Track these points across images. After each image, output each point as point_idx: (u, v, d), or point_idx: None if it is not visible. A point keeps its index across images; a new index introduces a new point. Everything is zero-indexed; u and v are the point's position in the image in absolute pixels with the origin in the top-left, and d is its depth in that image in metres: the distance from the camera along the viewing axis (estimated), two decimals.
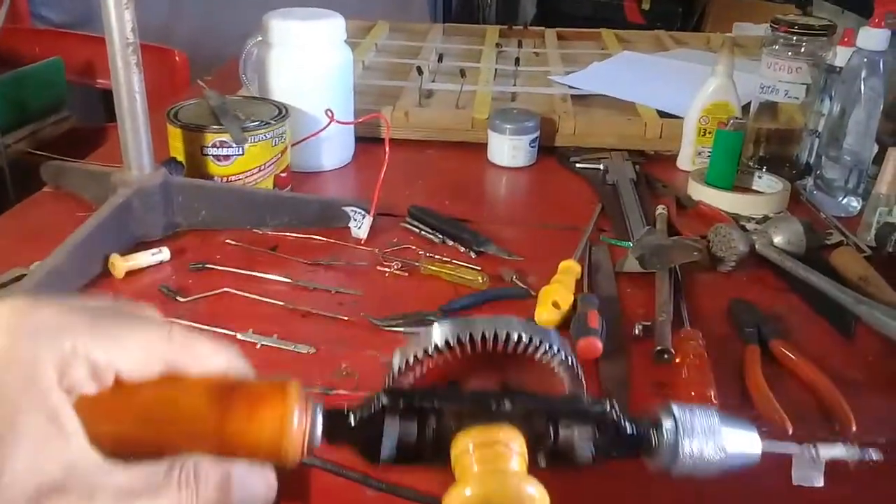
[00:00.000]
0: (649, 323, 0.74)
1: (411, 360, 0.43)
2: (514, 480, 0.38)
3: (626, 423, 0.41)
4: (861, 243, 0.91)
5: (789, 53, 1.03)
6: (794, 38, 1.03)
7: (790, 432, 0.61)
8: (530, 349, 0.43)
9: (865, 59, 0.95)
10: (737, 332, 0.74)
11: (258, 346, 0.69)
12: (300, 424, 0.36)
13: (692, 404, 0.42)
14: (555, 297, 0.75)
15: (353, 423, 0.39)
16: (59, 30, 1.88)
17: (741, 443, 0.41)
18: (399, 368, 0.43)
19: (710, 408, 0.42)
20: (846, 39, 1.03)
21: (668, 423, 0.41)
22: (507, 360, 0.43)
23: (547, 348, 0.43)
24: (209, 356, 0.37)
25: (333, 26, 1.05)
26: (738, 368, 0.69)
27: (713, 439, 0.41)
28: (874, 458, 0.42)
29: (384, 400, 0.39)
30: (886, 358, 0.72)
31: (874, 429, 0.63)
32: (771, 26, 1.05)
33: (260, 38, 1.07)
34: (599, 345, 0.69)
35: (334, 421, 0.39)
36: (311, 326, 0.74)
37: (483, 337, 0.42)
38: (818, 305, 0.79)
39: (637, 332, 0.74)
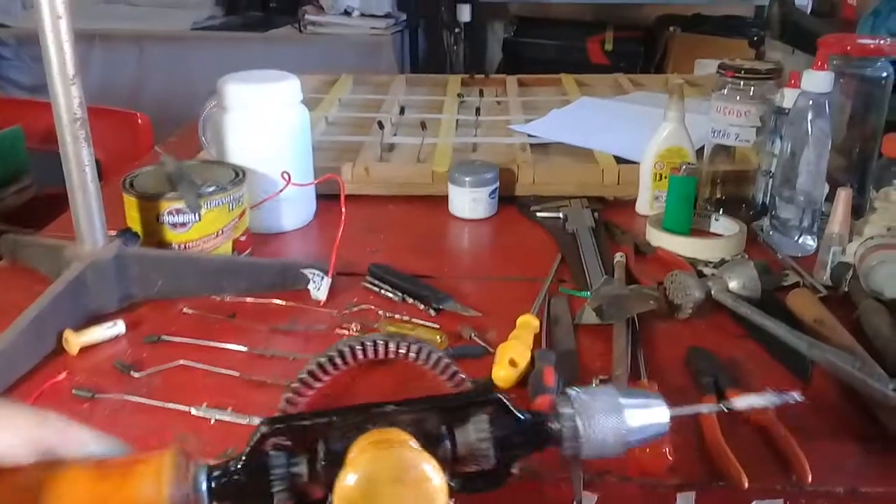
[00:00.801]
0: (606, 377, 0.74)
1: (297, 384, 0.42)
2: (397, 451, 0.36)
3: (521, 413, 0.41)
4: (817, 283, 0.92)
5: (738, 98, 1.05)
6: (742, 82, 1.04)
7: (746, 486, 0.61)
8: (407, 356, 0.43)
9: (811, 102, 0.96)
10: (694, 382, 0.75)
11: (212, 422, 0.69)
12: (177, 493, 0.35)
13: (592, 387, 0.42)
14: (511, 355, 0.75)
15: (239, 472, 0.37)
16: (16, 98, 1.89)
17: (647, 414, 0.41)
18: (288, 398, 0.42)
19: (610, 386, 0.42)
20: (793, 81, 1.05)
21: (566, 409, 0.41)
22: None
23: (426, 356, 0.43)
24: (88, 442, 0.37)
25: (288, 88, 1.06)
26: (694, 420, 0.69)
27: (616, 416, 0.41)
28: (797, 400, 0.43)
29: (263, 429, 0.38)
30: (842, 402, 0.73)
31: (831, 478, 0.63)
32: (718, 72, 1.07)
33: (216, 103, 1.08)
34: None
35: (220, 478, 0.37)
36: (267, 396, 0.73)
37: (357, 350, 0.42)
38: (775, 350, 0.79)
39: (594, 385, 0.73)
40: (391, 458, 0.36)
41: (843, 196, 0.93)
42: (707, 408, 0.43)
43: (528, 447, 0.41)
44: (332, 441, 0.38)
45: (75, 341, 0.79)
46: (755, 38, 1.59)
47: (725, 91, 1.06)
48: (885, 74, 1.03)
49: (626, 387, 0.43)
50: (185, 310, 0.87)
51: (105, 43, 2.78)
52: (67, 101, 0.78)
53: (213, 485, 0.37)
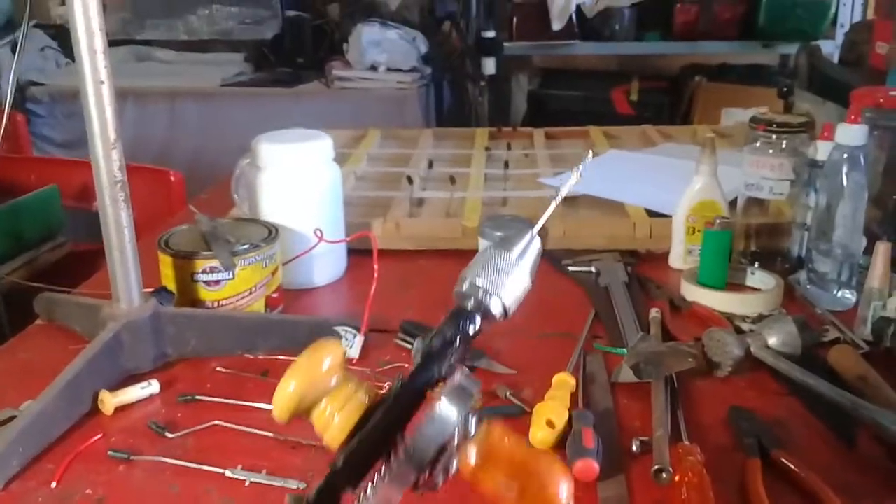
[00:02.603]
0: (647, 438, 0.72)
1: None
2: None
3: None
4: (858, 339, 0.90)
5: (770, 151, 1.04)
6: (774, 136, 1.04)
7: None
8: None
9: (846, 155, 0.96)
10: (736, 443, 0.73)
11: (247, 484, 0.68)
12: None
13: None
14: (549, 416, 0.74)
15: None
16: (52, 157, 1.93)
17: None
18: None
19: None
20: (826, 134, 1.04)
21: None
22: None
23: None
24: None
25: (320, 147, 1.07)
26: (739, 483, 0.67)
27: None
28: None
29: None
30: (888, 463, 0.71)
31: None
32: (750, 125, 1.07)
33: (250, 160, 1.10)
34: (596, 466, 0.67)
35: None
36: (301, 458, 0.72)
37: None
38: (818, 409, 0.77)
39: (635, 448, 0.72)
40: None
41: (882, 250, 0.92)
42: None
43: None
44: None
45: (111, 402, 0.79)
46: (784, 89, 1.59)
47: (758, 144, 1.06)
48: None
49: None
50: (218, 368, 0.87)
51: (138, 100, 2.85)
52: (108, 165, 0.79)
53: None
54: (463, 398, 0.46)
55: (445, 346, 0.48)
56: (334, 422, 0.48)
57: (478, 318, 0.48)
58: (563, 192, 0.53)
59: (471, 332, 0.48)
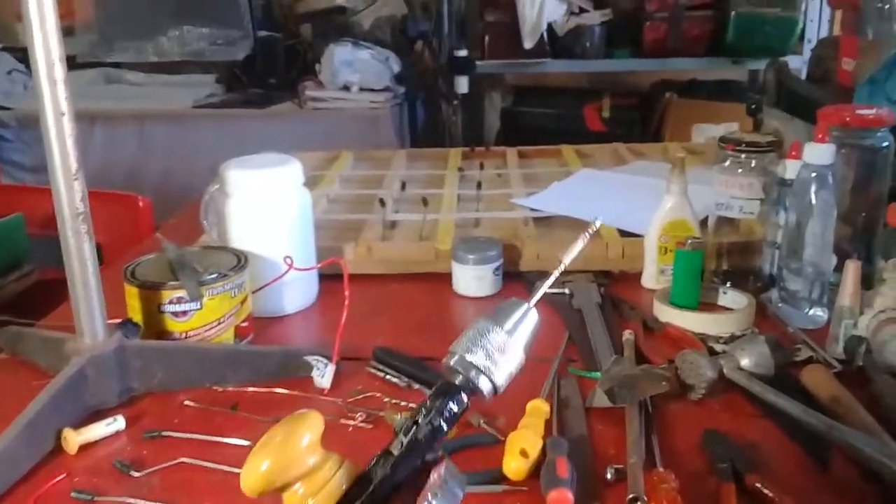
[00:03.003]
0: (622, 466, 0.71)
1: None
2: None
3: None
4: (830, 358, 0.90)
5: (739, 170, 1.05)
6: (743, 155, 1.04)
7: None
8: None
9: (814, 174, 0.96)
10: (711, 468, 0.72)
11: None
12: None
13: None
14: (523, 445, 0.73)
15: None
16: (18, 185, 1.90)
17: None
18: None
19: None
20: (794, 153, 1.05)
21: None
22: None
23: None
24: None
25: (289, 172, 1.06)
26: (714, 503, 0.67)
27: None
28: None
29: None
30: (863, 484, 0.70)
31: None
32: (719, 145, 1.07)
33: (217, 187, 1.08)
34: (570, 496, 0.66)
35: None
36: (270, 496, 0.71)
37: None
38: (792, 431, 0.77)
39: (609, 476, 0.71)
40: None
41: (853, 268, 0.92)
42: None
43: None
44: None
45: (74, 440, 0.77)
46: (753, 106, 1.60)
47: (727, 164, 1.06)
48: (885, 144, 1.03)
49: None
50: (186, 402, 0.85)
51: (107, 122, 2.81)
52: (70, 197, 0.78)
53: None
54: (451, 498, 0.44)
55: (433, 433, 0.46)
56: None
57: (464, 396, 0.46)
58: (572, 255, 0.51)
59: (457, 412, 0.46)
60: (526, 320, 0.47)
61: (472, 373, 0.46)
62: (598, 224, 0.57)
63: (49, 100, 0.76)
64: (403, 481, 0.46)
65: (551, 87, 3.26)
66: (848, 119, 1.03)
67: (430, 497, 0.44)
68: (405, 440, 0.46)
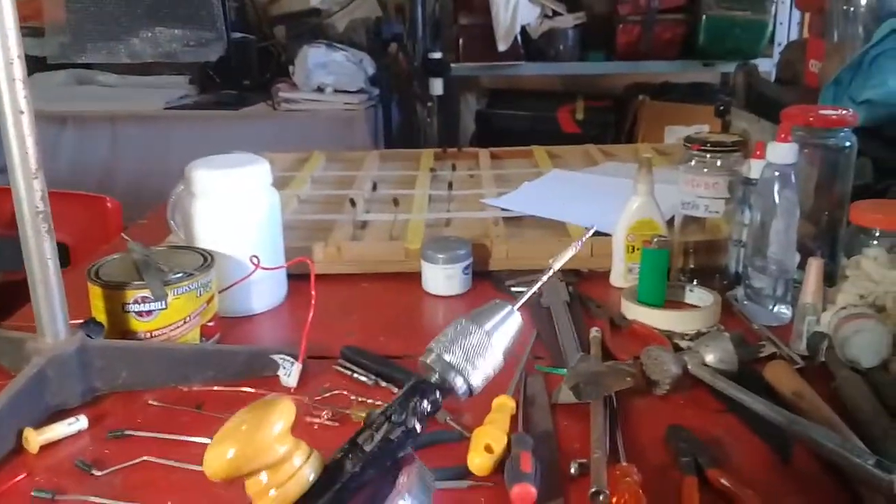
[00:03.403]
0: (585, 460, 0.72)
1: None
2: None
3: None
4: (793, 354, 0.91)
5: (705, 170, 1.06)
6: (708, 155, 1.05)
7: None
8: None
9: (777, 173, 0.97)
10: (674, 462, 0.73)
11: None
12: None
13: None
14: (487, 440, 0.73)
15: None
16: None
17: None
18: None
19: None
20: (758, 153, 1.06)
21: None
22: None
23: None
24: None
25: (256, 172, 1.05)
26: (676, 502, 0.67)
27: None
28: None
29: None
30: (824, 477, 0.71)
31: None
32: (685, 145, 1.08)
33: (184, 187, 1.08)
34: (533, 491, 0.67)
35: None
36: (235, 494, 0.70)
37: None
38: (755, 425, 0.78)
39: (573, 471, 0.72)
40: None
41: (815, 266, 0.93)
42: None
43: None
44: None
45: (35, 440, 0.76)
46: (721, 108, 1.62)
47: (693, 163, 1.07)
48: (848, 144, 1.04)
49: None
50: (150, 402, 0.85)
51: (77, 124, 2.78)
52: (30, 196, 0.77)
53: None
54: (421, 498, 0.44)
55: (406, 433, 0.45)
56: (270, 495, 0.44)
57: (438, 394, 0.46)
58: (563, 261, 0.51)
59: (430, 411, 0.46)
60: (507, 323, 0.47)
61: (450, 373, 0.45)
62: (591, 231, 0.57)
63: (8, 98, 0.75)
64: (373, 478, 0.45)
65: (526, 89, 3.27)
66: (811, 119, 1.05)
67: (401, 496, 0.43)
68: (378, 437, 0.45)
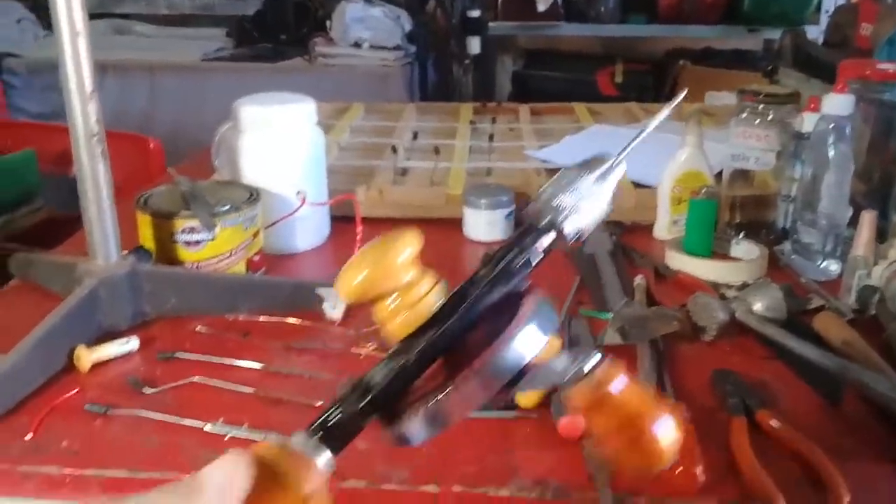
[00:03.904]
0: None
1: None
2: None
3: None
4: (843, 307, 0.90)
5: (757, 122, 1.04)
6: (761, 106, 1.04)
7: None
8: None
9: (832, 125, 0.95)
10: (722, 404, 0.72)
11: (226, 438, 0.67)
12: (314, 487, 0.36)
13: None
14: None
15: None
16: (31, 122, 1.90)
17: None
18: None
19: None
20: (812, 106, 1.04)
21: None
22: None
23: None
24: None
25: (303, 109, 1.05)
26: (725, 442, 0.67)
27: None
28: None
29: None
30: (875, 423, 0.70)
31: (867, 500, 0.61)
32: (737, 96, 1.06)
33: (231, 125, 1.08)
34: (581, 422, 0.67)
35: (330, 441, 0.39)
36: (283, 414, 0.71)
37: None
38: (803, 372, 0.77)
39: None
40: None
41: (868, 218, 0.92)
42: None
43: None
44: None
45: (87, 358, 0.77)
46: (769, 68, 1.59)
47: (745, 115, 1.05)
48: None
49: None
50: (198, 328, 0.86)
51: (118, 73, 2.80)
52: (85, 117, 0.77)
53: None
54: (547, 325, 0.44)
55: (525, 265, 0.46)
56: (400, 318, 0.45)
57: (550, 236, 0.46)
58: (654, 124, 0.50)
59: (545, 249, 0.46)
60: (614, 172, 0.47)
61: (560, 215, 0.46)
62: (684, 94, 0.56)
63: (65, 19, 0.75)
64: (497, 306, 0.45)
65: (564, 51, 3.23)
66: (868, 73, 1.03)
67: (528, 321, 0.43)
68: (499, 266, 0.45)
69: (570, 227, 0.47)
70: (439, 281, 0.46)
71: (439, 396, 0.40)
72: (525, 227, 0.47)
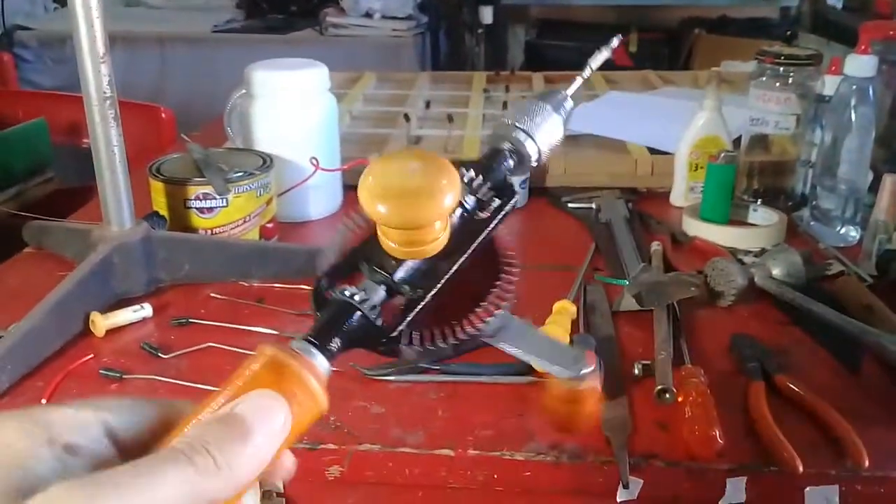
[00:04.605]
0: (649, 362, 0.71)
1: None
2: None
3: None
4: (862, 272, 0.89)
5: (777, 84, 1.02)
6: (781, 69, 1.02)
7: (800, 471, 0.58)
8: None
9: (854, 87, 0.94)
10: (739, 368, 0.72)
11: None
12: (314, 386, 0.33)
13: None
14: None
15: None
16: (42, 91, 1.89)
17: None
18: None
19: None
20: (833, 68, 1.02)
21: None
22: None
23: None
24: None
25: (316, 75, 1.04)
26: (742, 405, 0.66)
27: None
28: None
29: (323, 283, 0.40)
30: (893, 389, 0.70)
31: (888, 463, 0.60)
32: (757, 58, 1.04)
33: (244, 91, 1.07)
34: (598, 384, 0.66)
35: (323, 340, 0.37)
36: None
37: None
38: (822, 337, 0.76)
39: (637, 371, 0.71)
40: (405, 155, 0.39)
41: (889, 183, 0.90)
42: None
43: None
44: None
45: (102, 323, 0.77)
46: (788, 32, 1.56)
47: (764, 78, 1.04)
48: None
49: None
50: (212, 294, 0.85)
51: (127, 44, 2.79)
52: (97, 80, 0.77)
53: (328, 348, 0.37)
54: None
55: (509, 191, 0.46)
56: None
57: (513, 160, 0.47)
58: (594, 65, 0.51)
59: (511, 167, 0.47)
60: (566, 104, 0.48)
61: (520, 136, 0.46)
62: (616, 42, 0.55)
63: None
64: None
65: (577, 20, 3.19)
66: (892, 33, 1.00)
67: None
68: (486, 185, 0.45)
69: (531, 149, 0.47)
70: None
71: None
72: (489, 151, 0.47)
